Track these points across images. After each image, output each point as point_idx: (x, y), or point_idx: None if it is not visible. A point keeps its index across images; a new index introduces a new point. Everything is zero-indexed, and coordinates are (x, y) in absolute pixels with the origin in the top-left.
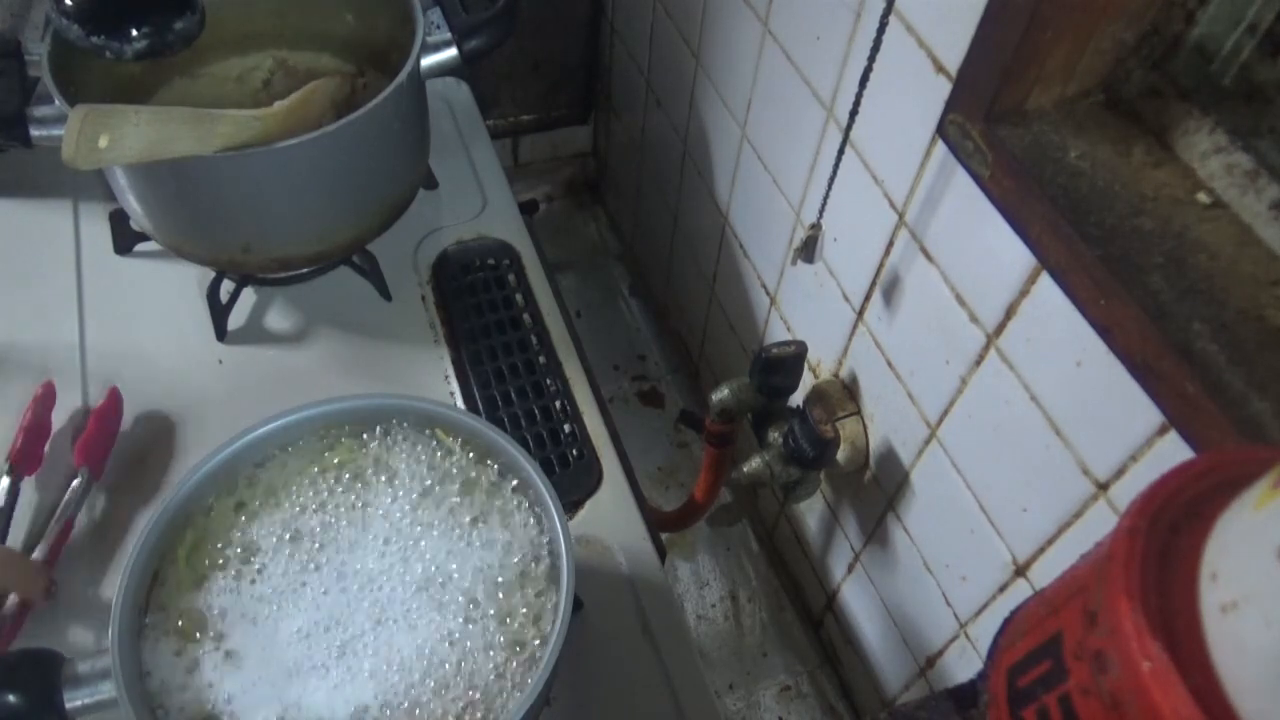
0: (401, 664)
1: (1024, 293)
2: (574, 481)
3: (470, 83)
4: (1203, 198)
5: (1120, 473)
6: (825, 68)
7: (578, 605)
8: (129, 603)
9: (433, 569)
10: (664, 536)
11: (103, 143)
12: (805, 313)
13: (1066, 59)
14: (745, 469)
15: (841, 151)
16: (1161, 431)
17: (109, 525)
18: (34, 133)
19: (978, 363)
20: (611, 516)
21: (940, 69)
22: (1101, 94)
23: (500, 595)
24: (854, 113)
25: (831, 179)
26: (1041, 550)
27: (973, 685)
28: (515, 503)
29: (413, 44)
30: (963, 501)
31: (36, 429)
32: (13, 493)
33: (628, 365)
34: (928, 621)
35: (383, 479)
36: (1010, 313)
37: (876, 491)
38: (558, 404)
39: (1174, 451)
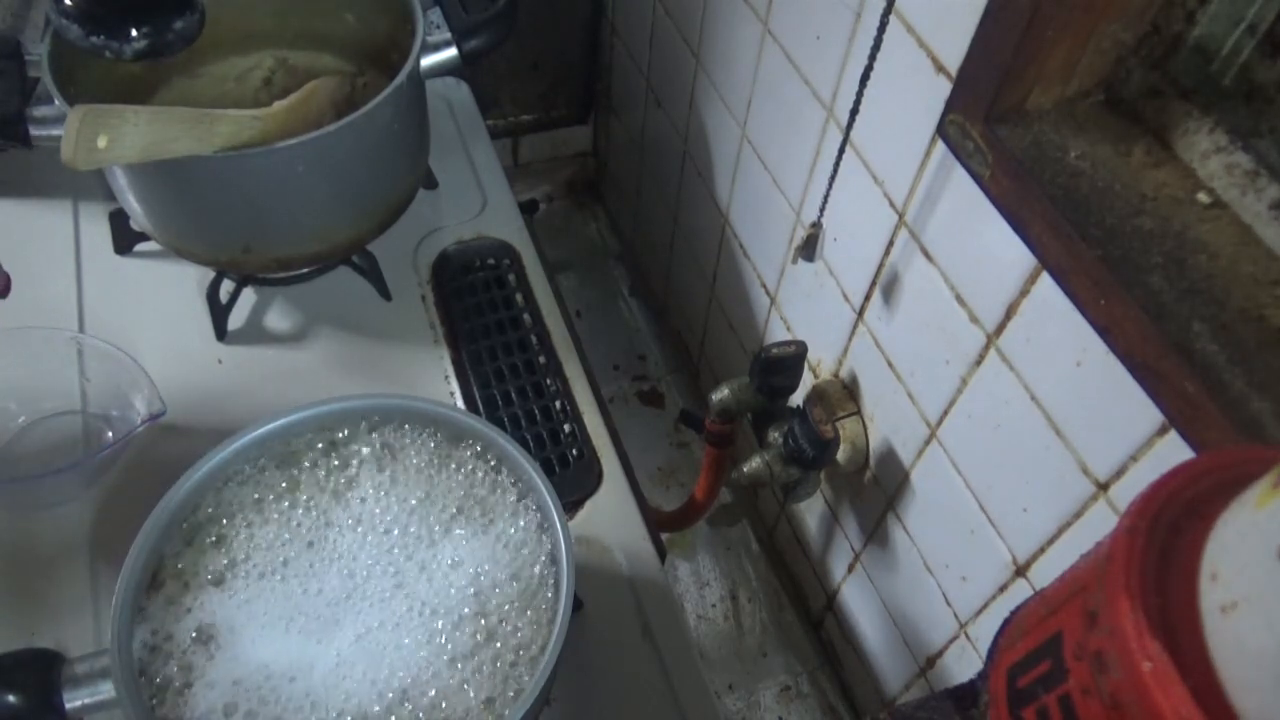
0: (402, 664)
1: (1024, 293)
2: (574, 481)
3: (470, 83)
4: (1203, 198)
5: (1120, 473)
6: (825, 67)
7: (578, 605)
8: (128, 602)
9: (433, 569)
10: (664, 536)
11: (102, 143)
12: (805, 312)
13: (1066, 59)
14: (745, 469)
15: (841, 151)
16: (1161, 431)
17: (108, 524)
18: (34, 133)
19: (978, 363)
20: (611, 516)
21: (940, 69)
22: (1101, 94)
23: (500, 595)
24: (854, 112)
25: (831, 179)
26: (1041, 550)
27: (973, 685)
28: (515, 503)
29: (413, 44)
30: (963, 501)
31: None
32: None
33: (628, 365)
34: (928, 621)
35: (383, 479)
36: (1010, 313)
37: (876, 491)
38: (558, 404)
39: (1174, 451)
